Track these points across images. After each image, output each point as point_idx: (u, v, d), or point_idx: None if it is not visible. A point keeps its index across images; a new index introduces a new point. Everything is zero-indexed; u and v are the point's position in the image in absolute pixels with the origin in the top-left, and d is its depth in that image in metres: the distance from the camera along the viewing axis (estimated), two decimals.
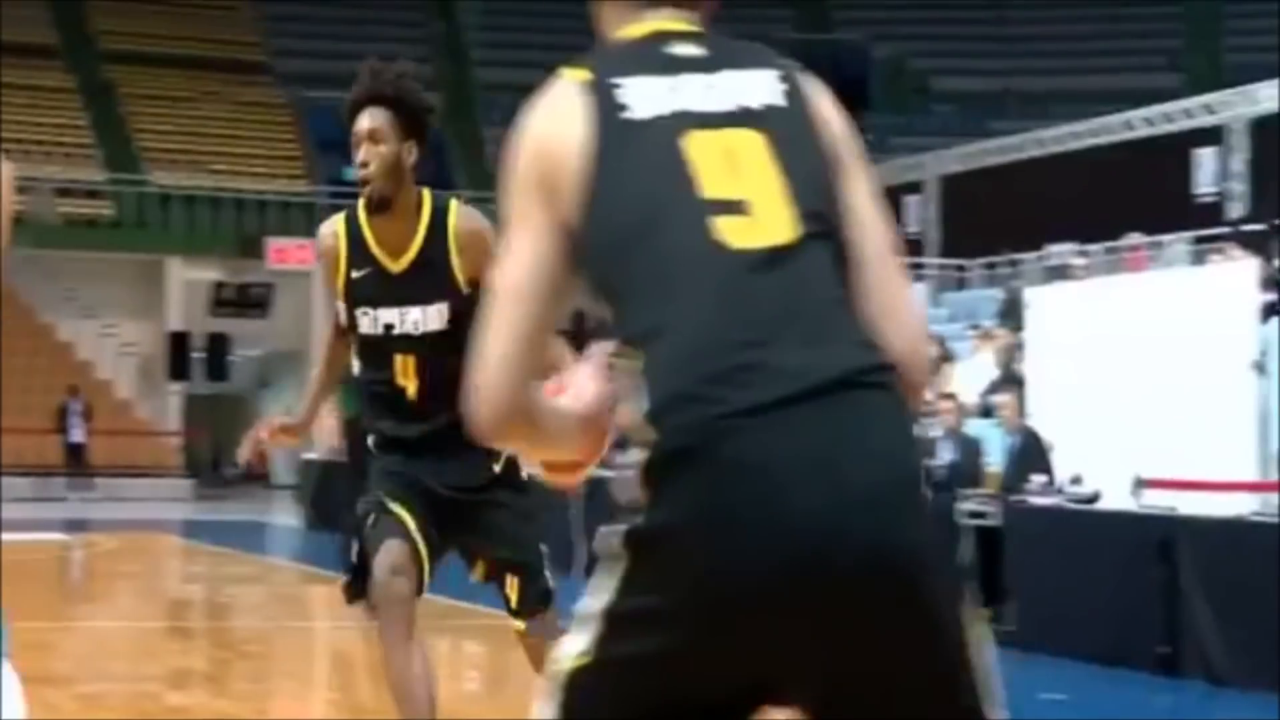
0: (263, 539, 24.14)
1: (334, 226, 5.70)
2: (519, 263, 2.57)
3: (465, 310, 5.41)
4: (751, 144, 2.55)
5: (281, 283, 37.07)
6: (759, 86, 2.60)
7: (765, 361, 2.41)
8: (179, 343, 37.42)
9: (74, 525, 25.60)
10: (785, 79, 2.63)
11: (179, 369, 37.58)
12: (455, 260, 5.55)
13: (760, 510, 2.36)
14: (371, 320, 5.61)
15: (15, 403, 32.31)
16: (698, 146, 2.53)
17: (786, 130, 2.57)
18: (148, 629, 13.63)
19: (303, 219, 37.88)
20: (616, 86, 2.58)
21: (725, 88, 2.59)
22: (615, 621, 2.48)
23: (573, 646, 2.52)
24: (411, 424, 5.63)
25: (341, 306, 5.69)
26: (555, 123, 2.58)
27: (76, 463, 34.35)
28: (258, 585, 17.51)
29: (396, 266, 5.59)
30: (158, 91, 40.60)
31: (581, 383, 2.70)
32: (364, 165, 5.51)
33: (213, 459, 39.85)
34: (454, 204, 5.63)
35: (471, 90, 42.78)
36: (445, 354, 5.37)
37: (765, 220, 2.50)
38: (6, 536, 20.01)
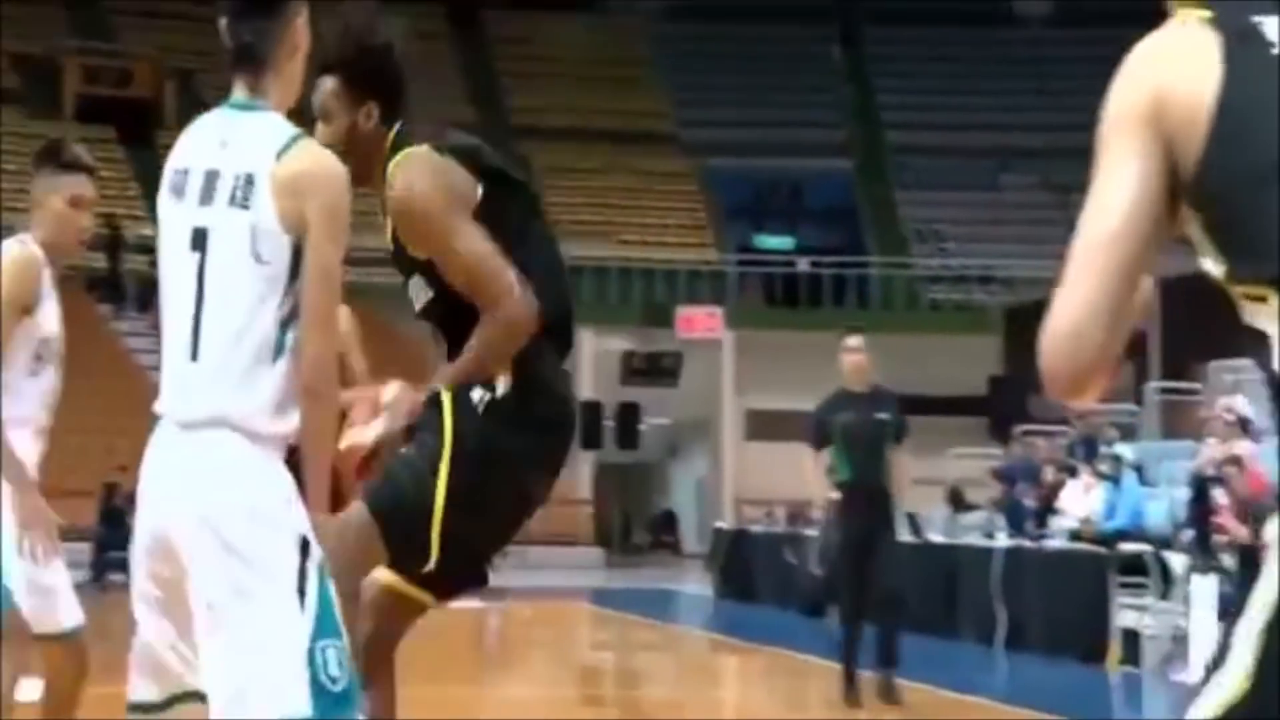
0: (673, 607, 24.16)
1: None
2: (1117, 203, 2.35)
3: (442, 283, 4.82)
4: None
5: (690, 351, 37.33)
6: None
7: None
8: (591, 412, 37.88)
9: (492, 593, 25.96)
10: None
11: (591, 438, 38.05)
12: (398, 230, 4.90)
13: None
14: (408, 289, 5.05)
15: None
16: None
17: None
18: (561, 696, 13.66)
19: (710, 288, 38.11)
20: (1257, 23, 2.38)
21: None
22: None
23: (1216, 691, 2.19)
24: None
25: None
26: (1176, 58, 2.38)
27: None
28: (668, 653, 17.48)
29: (388, 236, 4.98)
30: (567, 164, 41.39)
31: None
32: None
33: (623, 527, 40.20)
34: (391, 165, 4.84)
35: (883, 154, 42.59)
36: (448, 329, 4.87)
37: None
38: None
